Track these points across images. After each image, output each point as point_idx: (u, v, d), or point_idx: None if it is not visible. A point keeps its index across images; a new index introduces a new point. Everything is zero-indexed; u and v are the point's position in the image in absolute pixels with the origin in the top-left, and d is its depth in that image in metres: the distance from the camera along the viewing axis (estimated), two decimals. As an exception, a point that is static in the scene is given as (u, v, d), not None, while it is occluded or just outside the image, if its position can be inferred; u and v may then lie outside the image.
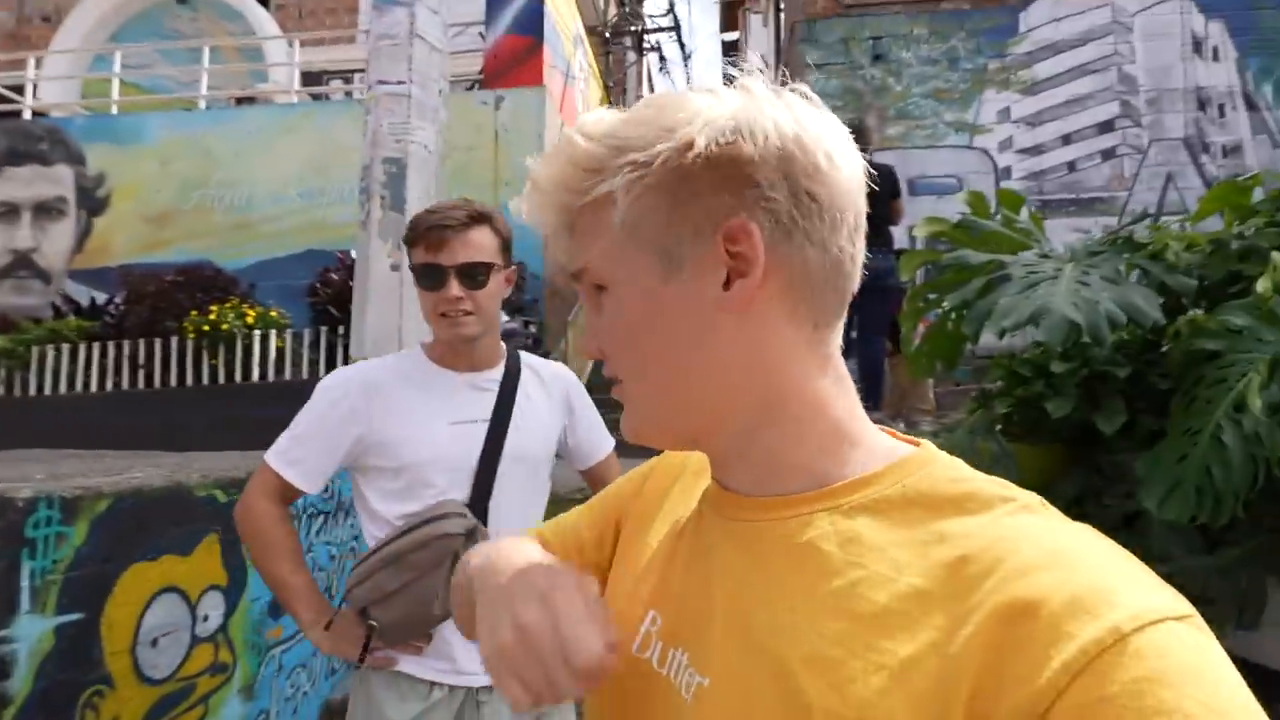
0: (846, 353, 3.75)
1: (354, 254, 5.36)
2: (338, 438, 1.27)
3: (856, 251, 0.47)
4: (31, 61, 8.33)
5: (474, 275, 1.24)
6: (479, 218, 1.25)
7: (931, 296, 2.54)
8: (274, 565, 1.28)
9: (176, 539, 1.78)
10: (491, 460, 1.28)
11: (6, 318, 6.05)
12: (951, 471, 0.45)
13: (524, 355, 1.40)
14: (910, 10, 5.79)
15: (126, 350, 5.53)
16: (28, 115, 7.71)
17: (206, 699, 1.87)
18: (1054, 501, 1.75)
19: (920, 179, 5.57)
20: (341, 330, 5.32)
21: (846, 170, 0.46)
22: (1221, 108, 5.65)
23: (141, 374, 5.50)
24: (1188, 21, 5.74)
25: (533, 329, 4.88)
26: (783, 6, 7.03)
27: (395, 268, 3.06)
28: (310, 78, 9.07)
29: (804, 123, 0.45)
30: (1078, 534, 0.40)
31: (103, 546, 1.55)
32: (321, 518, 2.43)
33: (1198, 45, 5.72)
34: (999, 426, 2.20)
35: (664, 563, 0.54)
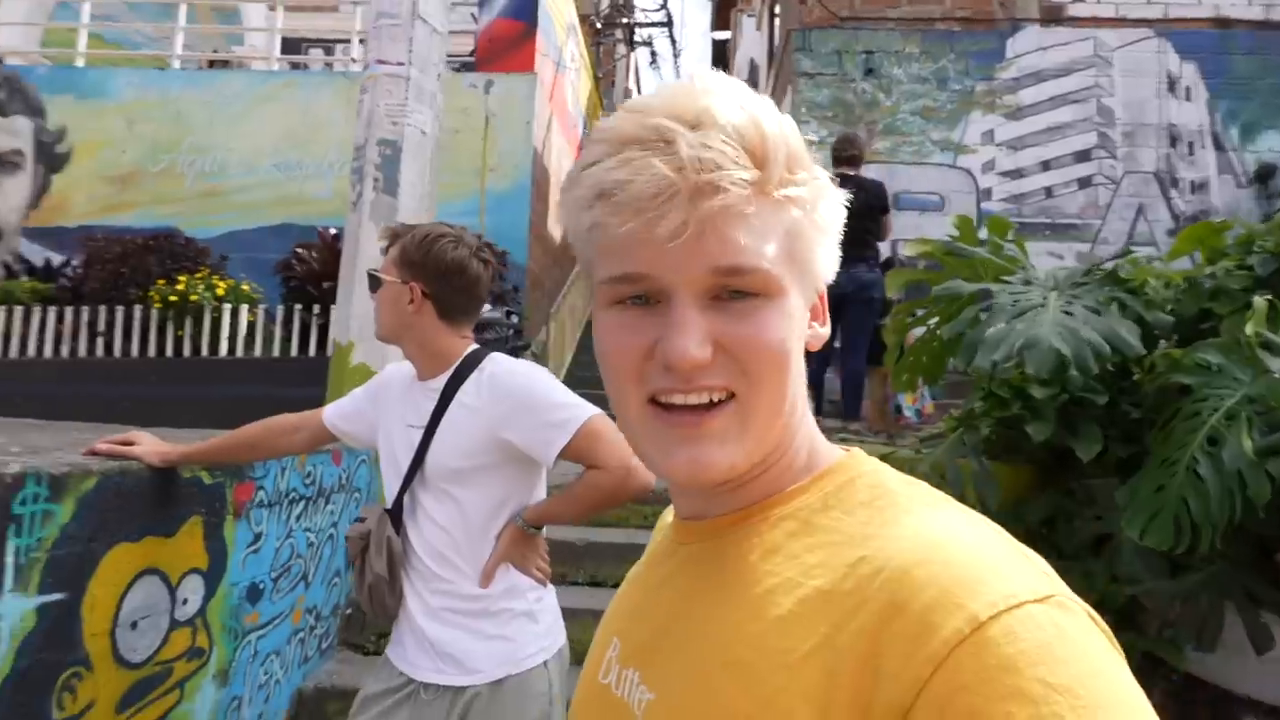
0: (829, 363, 3.85)
1: (333, 230, 5.25)
2: (363, 407, 1.54)
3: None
4: (-9, 5, 7.91)
5: (372, 284, 1.44)
6: (393, 237, 1.44)
7: (919, 314, 2.61)
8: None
9: (160, 520, 1.73)
10: (414, 466, 1.38)
11: (-47, 274, 5.77)
12: (871, 478, 0.47)
13: (491, 358, 1.42)
14: (904, 28, 5.89)
15: (85, 316, 5.32)
16: (-16, 61, 7.32)
17: (182, 684, 1.83)
18: (1024, 522, 1.81)
19: (905, 194, 5.68)
20: (316, 309, 5.21)
21: None
22: (1191, 145, 5.91)
23: (100, 342, 5.29)
24: (1164, 61, 5.97)
25: (515, 318, 4.84)
26: (778, 12, 7.08)
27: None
28: (289, 45, 8.81)
29: None
30: (962, 526, 0.42)
31: (88, 525, 1.51)
32: (302, 503, 2.38)
33: (1172, 84, 5.96)
34: (981, 447, 2.26)
35: (629, 594, 0.58)
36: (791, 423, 0.47)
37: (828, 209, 0.47)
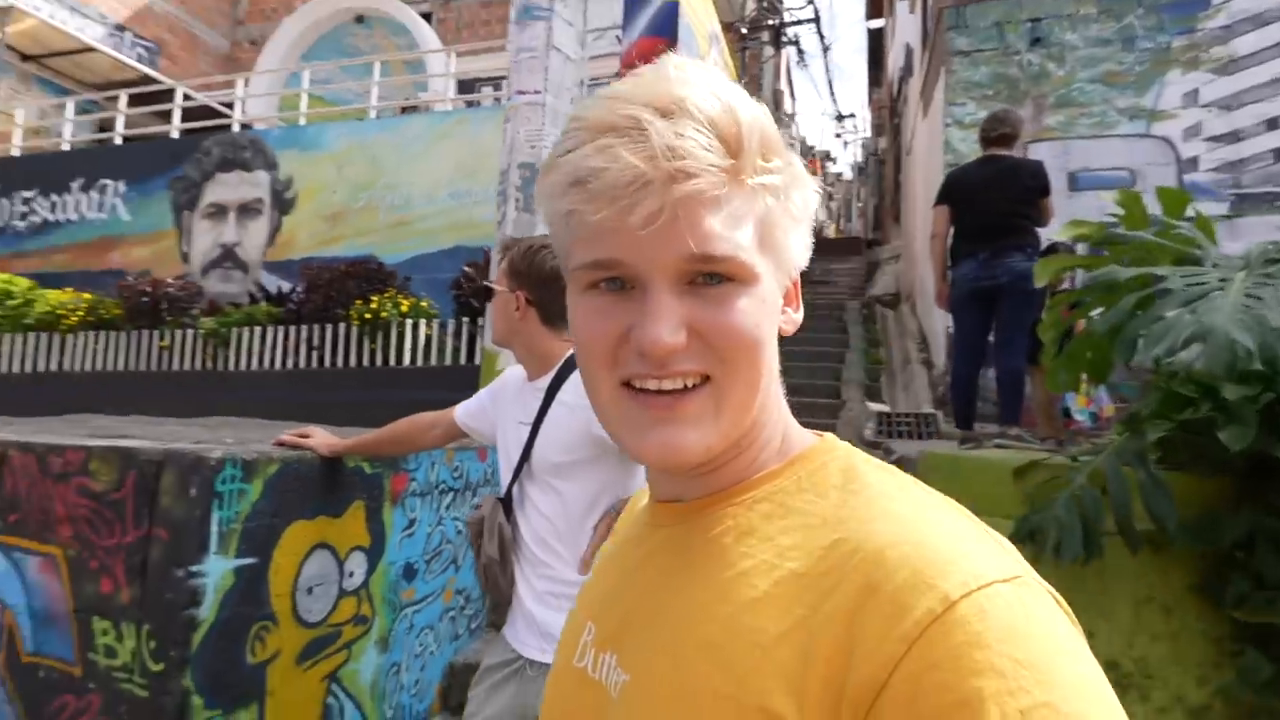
0: (981, 357, 3.53)
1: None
2: (485, 405, 1.71)
3: None
4: (241, 81, 9.63)
5: (486, 294, 1.63)
6: (504, 250, 1.60)
7: (1077, 306, 2.33)
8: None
9: (330, 502, 2.04)
10: (522, 460, 1.50)
11: (214, 303, 7.09)
12: (843, 461, 0.47)
13: None
14: (1077, -12, 5.24)
15: (303, 334, 6.30)
16: (236, 128, 8.93)
17: (350, 645, 2.13)
18: (1216, 542, 1.58)
19: (1084, 171, 5.01)
20: (480, 321, 5.74)
21: None
22: None
23: (314, 355, 6.23)
24: None
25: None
26: (931, -9, 6.62)
27: (526, 265, 3.27)
28: (465, 85, 9.76)
29: None
30: (935, 509, 0.42)
31: (272, 503, 1.82)
32: (451, 494, 2.66)
33: None
34: (1154, 454, 1.98)
35: (602, 578, 0.58)
36: (765, 407, 0.48)
37: (801, 197, 0.47)
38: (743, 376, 0.45)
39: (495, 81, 10.43)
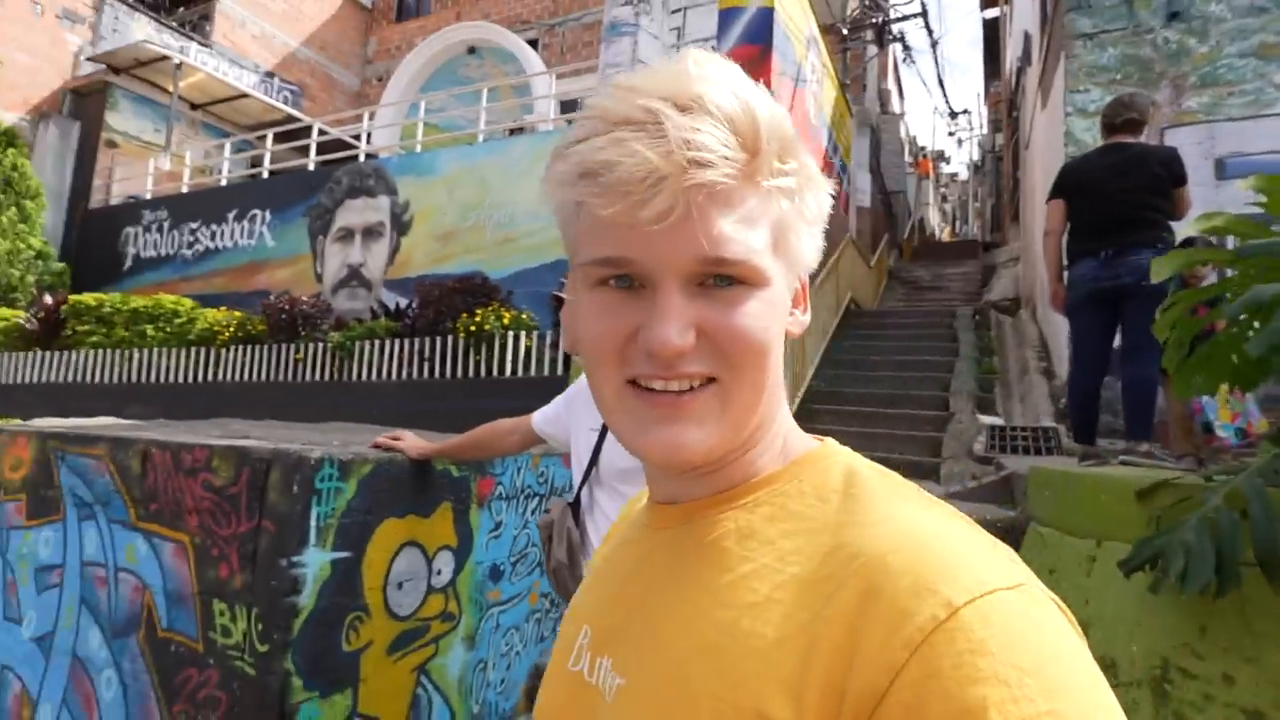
0: (1103, 366, 3.22)
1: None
2: (560, 411, 1.76)
3: None
4: (366, 115, 10.49)
5: (555, 304, 1.67)
6: None
7: (1215, 303, 2.07)
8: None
9: (420, 503, 2.16)
10: (591, 465, 1.53)
11: (341, 319, 7.72)
12: (844, 465, 0.47)
13: None
14: (1224, -48, 4.67)
15: (416, 346, 6.72)
16: (362, 158, 9.73)
17: (437, 640, 2.24)
18: None
19: (1234, 157, 4.44)
20: (577, 333, 5.90)
21: None
22: None
23: (426, 366, 6.62)
24: None
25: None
26: (1050, -27, 6.13)
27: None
28: (567, 105, 10.12)
29: None
30: (937, 516, 0.42)
31: (366, 501, 1.95)
32: (536, 499, 2.74)
33: None
34: (1310, 472, 1.72)
35: (600, 580, 0.57)
36: (769, 409, 0.48)
37: (814, 199, 0.47)
38: (749, 380, 0.44)
39: (595, 100, 10.76)
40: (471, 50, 12.63)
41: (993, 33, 13.09)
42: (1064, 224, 3.18)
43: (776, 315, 0.45)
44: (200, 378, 7.84)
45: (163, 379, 7.97)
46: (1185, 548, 1.64)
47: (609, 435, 1.54)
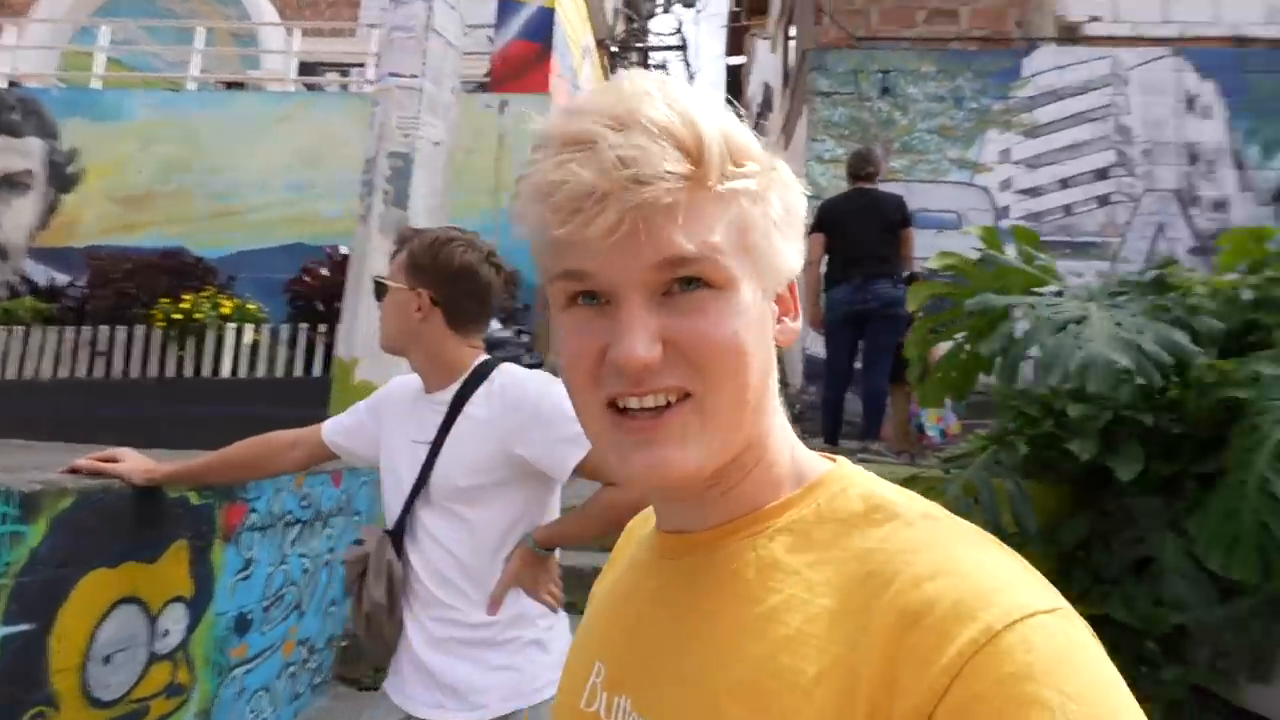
0: (849, 381, 3.68)
1: (344, 249, 5.20)
2: (364, 420, 1.45)
3: None
4: (12, 29, 8.01)
5: (378, 291, 1.35)
6: (402, 242, 1.35)
7: (942, 328, 2.50)
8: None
9: (142, 544, 1.61)
10: (418, 484, 1.29)
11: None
12: (862, 488, 0.47)
13: (501, 369, 1.32)
14: (920, 47, 5.86)
15: (86, 336, 5.25)
16: (2, 84, 7.40)
17: (161, 724, 1.69)
18: (1060, 544, 1.64)
19: (922, 211, 5.62)
20: (323, 328, 5.13)
21: None
22: (1211, 163, 5.83)
23: (101, 361, 5.22)
24: (1182, 79, 5.93)
25: (525, 337, 4.75)
26: (793, 35, 7.09)
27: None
28: (306, 69, 8.88)
29: None
30: (970, 540, 0.42)
31: (61, 549, 1.38)
32: (297, 527, 2.25)
33: (1190, 102, 5.90)
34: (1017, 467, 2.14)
35: (609, 613, 0.55)
36: (761, 421, 0.47)
37: (783, 200, 0.46)
38: (726, 389, 0.43)
39: (342, 68, 9.63)
40: (176, -21, 10.41)
41: (734, 78, 14.76)
42: (822, 255, 3.67)
43: (748, 321, 0.44)
44: None
45: None
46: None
47: (445, 447, 1.28)
